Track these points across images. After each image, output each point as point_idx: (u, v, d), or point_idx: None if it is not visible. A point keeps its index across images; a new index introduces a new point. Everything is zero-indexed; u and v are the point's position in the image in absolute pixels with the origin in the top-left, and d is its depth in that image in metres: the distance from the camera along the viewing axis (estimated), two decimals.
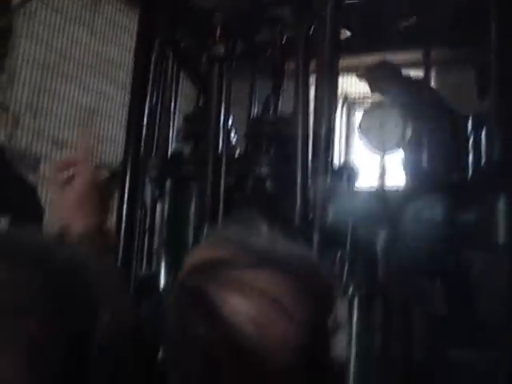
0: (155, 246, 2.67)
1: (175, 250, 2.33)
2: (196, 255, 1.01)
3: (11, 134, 4.67)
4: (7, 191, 3.51)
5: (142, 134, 2.27)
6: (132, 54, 2.41)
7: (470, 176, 2.62)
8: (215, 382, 0.88)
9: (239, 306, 0.87)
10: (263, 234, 1.07)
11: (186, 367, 0.90)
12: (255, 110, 2.62)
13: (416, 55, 4.17)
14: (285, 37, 2.56)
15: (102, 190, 1.50)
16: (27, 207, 3.52)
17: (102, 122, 4.12)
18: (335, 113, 2.20)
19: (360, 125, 2.06)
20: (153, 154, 2.65)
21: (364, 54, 4.60)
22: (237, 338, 0.85)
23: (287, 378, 0.87)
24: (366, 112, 2.14)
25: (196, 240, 2.22)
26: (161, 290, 2.32)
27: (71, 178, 1.47)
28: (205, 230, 2.14)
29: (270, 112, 2.36)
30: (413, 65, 4.46)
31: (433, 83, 4.17)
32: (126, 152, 2.22)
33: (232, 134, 2.42)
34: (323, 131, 2.04)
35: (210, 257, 0.96)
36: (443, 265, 2.01)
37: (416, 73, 4.36)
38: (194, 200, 2.30)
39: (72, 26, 3.84)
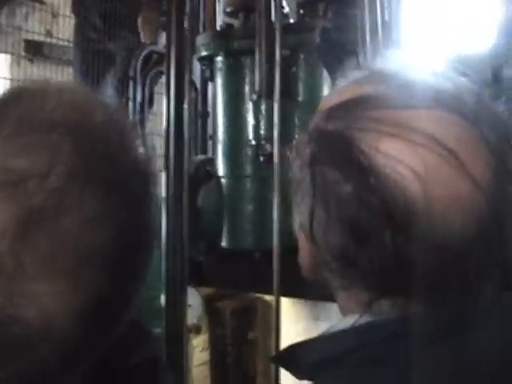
0: (210, 130, 2.54)
1: (231, 133, 2.18)
2: (334, 95, 0.75)
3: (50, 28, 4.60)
4: None
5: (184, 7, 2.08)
6: None
7: None
8: (369, 261, 0.65)
9: (399, 156, 0.64)
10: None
11: (329, 235, 0.68)
12: None
13: None
14: None
15: None
16: None
17: None
18: None
19: None
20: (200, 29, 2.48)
21: None
22: (397, 197, 0.63)
23: (459, 256, 0.64)
24: None
25: (255, 117, 2.05)
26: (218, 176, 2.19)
27: None
28: (263, 108, 1.98)
29: None
30: None
31: None
32: (168, 30, 2.05)
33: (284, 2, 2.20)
34: None
35: (354, 96, 0.71)
36: None
37: None
38: (248, 76, 2.12)
39: None
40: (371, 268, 0.66)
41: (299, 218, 0.73)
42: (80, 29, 3.06)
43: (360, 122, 0.67)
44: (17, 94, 0.66)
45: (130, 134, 0.67)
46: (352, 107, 0.69)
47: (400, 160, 0.64)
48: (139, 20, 2.93)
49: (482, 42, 2.07)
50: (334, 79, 1.88)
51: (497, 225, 0.65)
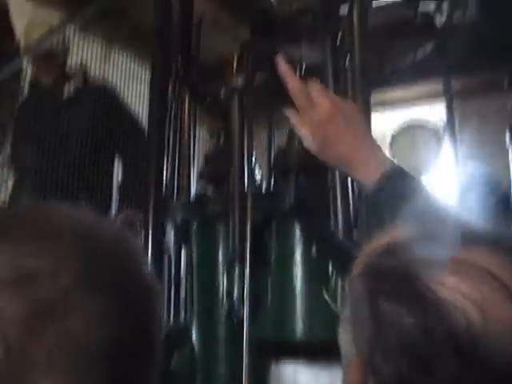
0: (182, 294, 2.55)
1: (205, 298, 2.20)
2: (379, 239, 0.84)
3: None
4: (120, 133, 3.64)
5: (162, 178, 2.19)
6: (146, 101, 2.35)
7: None
8: None
9: (460, 288, 0.71)
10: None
11: (390, 365, 0.72)
12: (275, 143, 2.53)
13: (436, 86, 4.09)
14: (303, 67, 2.47)
15: None
16: (139, 150, 3.54)
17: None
18: None
19: (391, 146, 1.95)
20: (174, 197, 2.56)
21: (383, 88, 4.53)
22: (460, 326, 0.69)
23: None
24: (396, 134, 2.04)
25: (228, 286, 2.09)
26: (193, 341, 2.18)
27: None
28: (236, 273, 2.02)
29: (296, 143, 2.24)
30: (433, 96, 4.37)
31: (456, 113, 4.06)
32: (146, 198, 2.13)
33: (256, 170, 2.31)
34: None
35: (400, 237, 0.80)
36: None
37: (438, 104, 4.26)
38: (221, 241, 2.17)
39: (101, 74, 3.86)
40: None
41: (356, 348, 0.78)
42: None
43: (420, 259, 0.75)
44: (29, 207, 0.71)
45: (135, 249, 0.72)
46: (409, 246, 0.77)
47: (461, 292, 0.71)
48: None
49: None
50: (310, 240, 1.94)
51: None
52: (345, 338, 0.82)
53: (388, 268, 0.76)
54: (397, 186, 1.19)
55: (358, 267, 0.82)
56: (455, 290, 0.71)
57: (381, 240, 0.82)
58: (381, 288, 0.75)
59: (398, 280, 0.74)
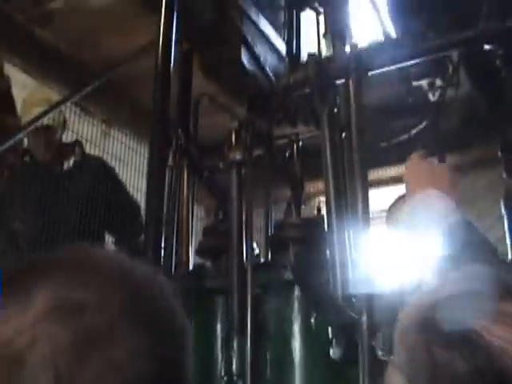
0: None
1: (203, 369, 2.18)
2: (427, 293, 0.94)
3: None
4: (114, 210, 3.71)
5: (160, 251, 2.19)
6: (145, 177, 2.37)
7: None
8: None
9: (504, 335, 0.81)
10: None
11: None
12: (272, 215, 2.56)
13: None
14: (300, 143, 2.52)
15: None
16: (132, 227, 3.67)
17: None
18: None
19: (388, 219, 1.98)
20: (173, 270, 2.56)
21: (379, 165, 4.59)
22: (506, 368, 0.78)
23: None
24: (391, 206, 2.08)
25: (227, 358, 2.07)
26: None
27: None
28: (235, 344, 2.01)
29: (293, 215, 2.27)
30: None
31: None
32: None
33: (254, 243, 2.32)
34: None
35: (446, 292, 0.90)
36: None
37: None
38: (220, 314, 2.17)
39: (86, 147, 3.93)
40: None
41: None
42: None
43: (469, 311, 0.84)
44: (71, 247, 0.73)
45: (168, 289, 0.74)
46: (458, 300, 0.87)
47: (507, 339, 0.80)
48: None
49: None
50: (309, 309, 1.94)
51: None
52: (397, 382, 0.90)
53: (441, 320, 0.84)
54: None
55: (408, 318, 0.91)
56: (502, 337, 0.80)
57: (430, 294, 0.92)
58: (436, 338, 0.84)
59: (450, 330, 0.83)
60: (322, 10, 3.05)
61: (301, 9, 3.37)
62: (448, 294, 0.89)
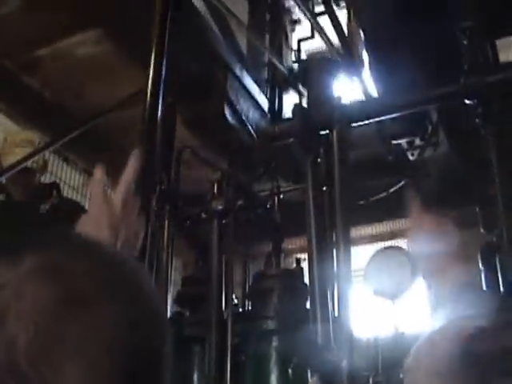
0: None
1: None
2: (460, 328, 0.97)
3: None
4: None
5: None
6: None
7: None
8: None
9: None
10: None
11: None
12: (250, 268, 2.58)
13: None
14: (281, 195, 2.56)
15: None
16: None
17: None
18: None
19: (366, 273, 2.01)
20: None
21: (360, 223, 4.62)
22: None
23: None
24: (371, 259, 2.10)
25: None
26: None
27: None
28: None
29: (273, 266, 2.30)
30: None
31: None
32: None
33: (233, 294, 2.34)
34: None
35: (485, 324, 0.95)
36: None
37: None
38: (197, 364, 2.17)
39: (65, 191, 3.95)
40: None
41: None
42: None
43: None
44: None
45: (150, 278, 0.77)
46: (497, 331, 0.93)
47: None
48: None
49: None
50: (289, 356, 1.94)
51: None
52: None
53: (482, 350, 0.90)
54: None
55: (443, 351, 0.94)
56: None
57: (463, 328, 0.95)
58: (491, 367, 0.89)
59: (502, 358, 0.89)
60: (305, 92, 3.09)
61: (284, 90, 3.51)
62: (485, 326, 0.95)
